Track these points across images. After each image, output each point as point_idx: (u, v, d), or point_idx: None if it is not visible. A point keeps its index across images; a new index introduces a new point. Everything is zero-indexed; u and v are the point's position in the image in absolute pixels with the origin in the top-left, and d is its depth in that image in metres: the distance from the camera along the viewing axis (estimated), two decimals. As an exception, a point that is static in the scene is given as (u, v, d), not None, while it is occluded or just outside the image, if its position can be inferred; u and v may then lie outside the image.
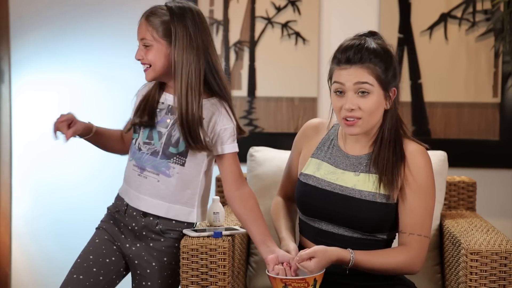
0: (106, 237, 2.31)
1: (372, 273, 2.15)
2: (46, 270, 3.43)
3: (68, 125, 2.25)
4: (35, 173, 3.44)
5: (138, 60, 2.25)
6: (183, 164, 2.25)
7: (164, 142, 2.24)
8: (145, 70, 2.25)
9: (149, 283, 2.27)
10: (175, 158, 2.24)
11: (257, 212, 2.25)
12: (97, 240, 2.31)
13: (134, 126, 2.30)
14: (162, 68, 2.23)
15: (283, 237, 2.27)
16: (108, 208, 2.37)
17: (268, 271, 2.10)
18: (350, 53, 2.11)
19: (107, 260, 2.28)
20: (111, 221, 2.33)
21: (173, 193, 2.25)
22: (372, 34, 2.19)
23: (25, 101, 3.43)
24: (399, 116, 2.21)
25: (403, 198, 2.16)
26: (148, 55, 2.22)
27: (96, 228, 2.36)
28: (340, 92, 2.13)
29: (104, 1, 3.36)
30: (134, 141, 2.29)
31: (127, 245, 2.29)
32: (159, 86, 2.30)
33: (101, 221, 2.36)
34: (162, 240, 2.26)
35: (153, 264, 2.27)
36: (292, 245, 2.21)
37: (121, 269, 2.31)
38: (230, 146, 2.27)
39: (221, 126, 2.24)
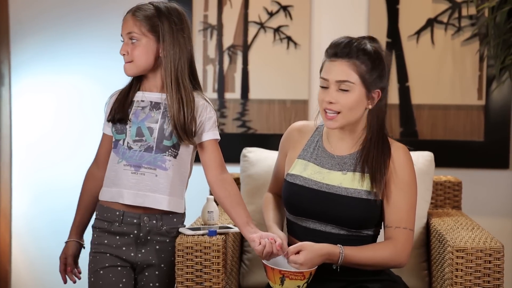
0: (107, 264, 2.27)
1: (361, 268, 2.17)
2: (45, 268, 3.42)
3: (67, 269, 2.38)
4: (34, 173, 3.44)
5: (123, 55, 2.24)
6: (176, 156, 2.26)
7: (157, 137, 2.24)
8: (126, 64, 2.25)
9: (157, 284, 2.28)
10: (169, 151, 2.25)
11: (239, 196, 2.28)
12: (101, 272, 2.27)
13: (117, 124, 2.29)
14: (146, 64, 2.24)
15: (270, 226, 2.30)
16: (95, 227, 2.32)
17: (263, 261, 2.09)
18: (339, 47, 2.16)
19: (121, 285, 2.27)
20: (106, 241, 2.28)
21: (171, 185, 2.25)
22: (371, 38, 2.22)
23: (25, 103, 3.43)
24: (385, 118, 2.25)
25: (388, 194, 2.20)
26: (134, 51, 2.22)
27: (92, 255, 2.31)
28: (324, 87, 2.19)
29: (102, 6, 3.36)
30: (121, 142, 2.27)
31: (132, 254, 2.27)
32: (133, 85, 2.30)
33: (94, 244, 2.31)
34: (168, 240, 2.28)
35: (162, 265, 2.28)
36: (280, 233, 2.24)
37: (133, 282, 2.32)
38: (215, 133, 2.30)
39: (206, 115, 2.27)
